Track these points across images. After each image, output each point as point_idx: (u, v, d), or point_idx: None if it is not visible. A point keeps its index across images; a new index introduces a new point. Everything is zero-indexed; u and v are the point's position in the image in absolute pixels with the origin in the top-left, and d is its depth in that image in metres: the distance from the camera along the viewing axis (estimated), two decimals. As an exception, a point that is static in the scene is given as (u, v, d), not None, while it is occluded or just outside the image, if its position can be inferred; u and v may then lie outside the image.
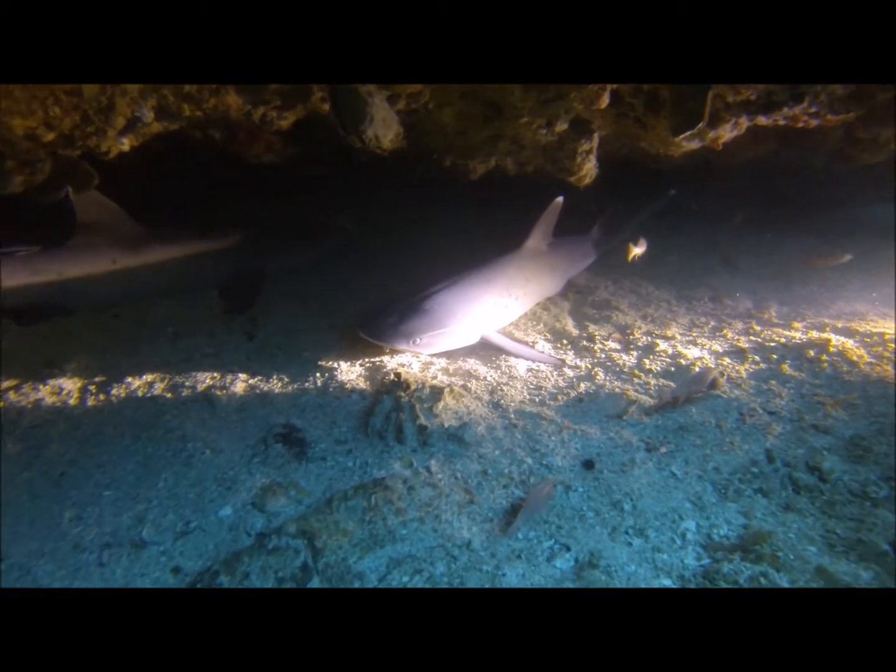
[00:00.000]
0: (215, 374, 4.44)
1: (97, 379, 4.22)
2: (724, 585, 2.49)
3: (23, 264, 4.79)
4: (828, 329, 5.25)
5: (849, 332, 5.16)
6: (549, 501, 3.10)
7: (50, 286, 4.88)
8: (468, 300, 4.82)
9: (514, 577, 2.67)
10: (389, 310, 4.56)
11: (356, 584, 2.55)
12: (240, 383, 4.33)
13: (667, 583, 2.63)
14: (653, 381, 4.47)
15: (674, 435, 3.79)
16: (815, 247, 7.39)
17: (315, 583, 2.53)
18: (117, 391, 4.08)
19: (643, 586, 2.62)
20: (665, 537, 2.89)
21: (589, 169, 5.21)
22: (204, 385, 4.27)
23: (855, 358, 4.58)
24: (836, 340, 4.87)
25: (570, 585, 2.65)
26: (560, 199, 5.67)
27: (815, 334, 5.15)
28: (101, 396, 4.01)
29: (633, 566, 2.74)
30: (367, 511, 2.82)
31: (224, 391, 4.19)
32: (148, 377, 4.31)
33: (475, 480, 3.28)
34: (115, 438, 3.48)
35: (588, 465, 3.48)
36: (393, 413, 3.59)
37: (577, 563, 2.78)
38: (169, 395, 4.08)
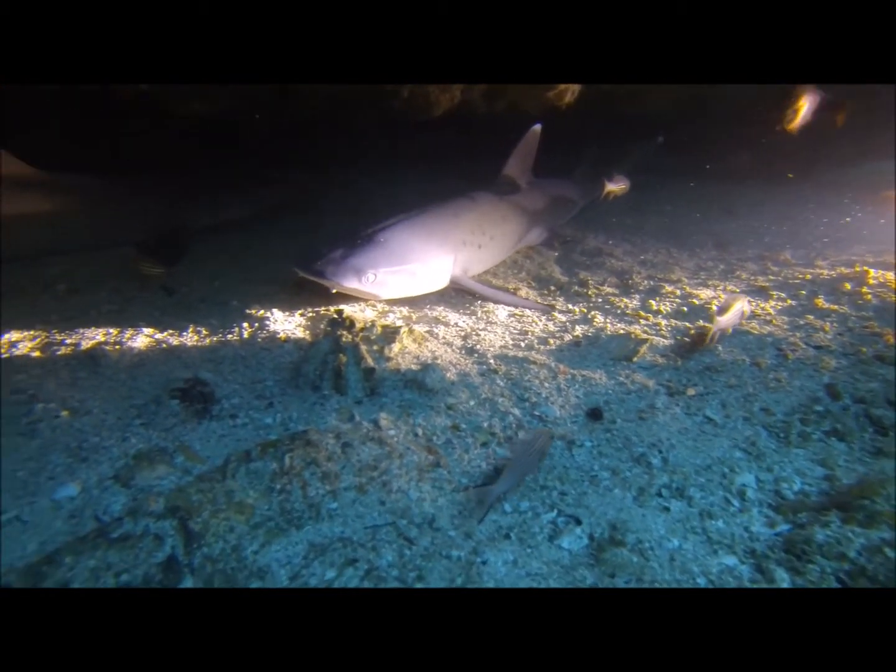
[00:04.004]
0: (112, 331, 3.45)
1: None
2: (822, 561, 1.61)
3: None
4: (857, 266, 4.48)
5: (885, 266, 4.40)
6: (544, 458, 2.21)
7: None
8: (433, 234, 3.90)
9: (499, 564, 1.76)
10: (336, 244, 3.61)
11: (255, 587, 1.62)
12: (142, 338, 3.35)
13: (730, 561, 1.74)
14: (664, 322, 3.62)
15: (700, 377, 2.93)
16: (810, 198, 6.74)
17: (187, 586, 1.59)
18: (-42, 352, 3.06)
19: (695, 568, 1.73)
20: (715, 497, 2.01)
21: (571, 81, 4.37)
22: (92, 342, 3.28)
23: (902, 288, 3.81)
24: (875, 273, 4.09)
25: (587, 573, 1.75)
26: (538, 126, 4.81)
27: (845, 270, 4.38)
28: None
29: (675, 540, 1.85)
30: (279, 476, 1.88)
31: (117, 347, 3.21)
32: (13, 336, 3.29)
33: (442, 437, 2.37)
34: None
35: (595, 414, 2.60)
36: (330, 357, 2.66)
37: (592, 540, 1.89)
38: (36, 355, 3.07)
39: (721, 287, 4.29)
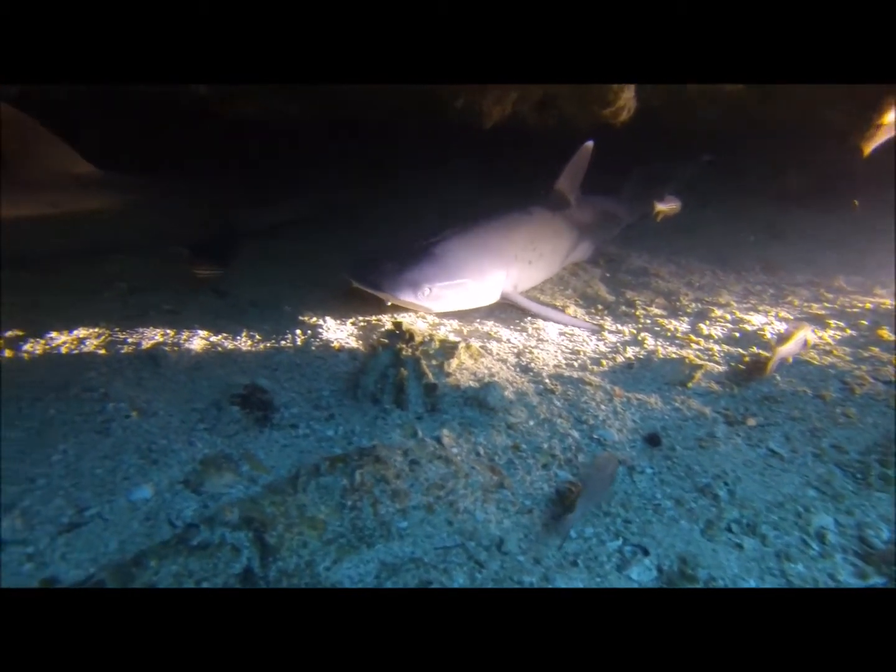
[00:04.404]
0: (168, 331, 3.52)
1: (8, 334, 3.29)
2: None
3: None
4: (921, 296, 4.35)
5: (952, 297, 4.27)
6: (612, 485, 2.18)
7: None
8: (487, 249, 3.91)
9: (572, 594, 1.74)
10: (390, 255, 3.63)
11: (328, 603, 1.62)
12: (198, 340, 3.42)
13: (812, 606, 1.69)
14: (716, 347, 3.56)
15: (758, 406, 2.87)
16: (875, 223, 6.51)
17: (263, 600, 1.60)
18: (32, 347, 3.15)
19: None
20: (791, 538, 1.96)
21: (627, 99, 4.33)
22: (151, 342, 3.35)
23: (977, 321, 3.67)
24: (944, 303, 3.97)
25: (659, 608, 1.71)
26: (590, 143, 4.78)
27: (908, 299, 4.25)
28: (8, 353, 3.08)
29: (751, 580, 1.80)
30: (349, 493, 1.89)
31: (175, 348, 3.27)
32: (80, 333, 3.39)
33: (504, 457, 2.36)
34: (7, 401, 2.53)
35: (653, 440, 2.56)
36: (391, 370, 2.67)
37: (661, 573, 1.86)
38: (102, 352, 3.16)
39: (773, 313, 4.20)
